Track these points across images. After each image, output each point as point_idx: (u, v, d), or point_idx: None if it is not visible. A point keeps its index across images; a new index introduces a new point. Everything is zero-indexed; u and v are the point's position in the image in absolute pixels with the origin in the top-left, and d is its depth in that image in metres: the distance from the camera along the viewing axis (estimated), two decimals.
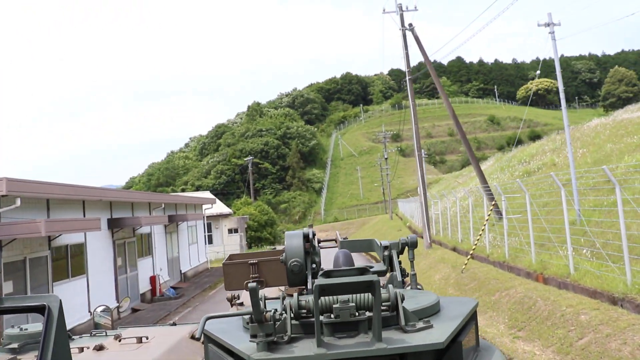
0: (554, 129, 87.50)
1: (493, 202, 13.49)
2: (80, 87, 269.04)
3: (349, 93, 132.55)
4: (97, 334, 3.91)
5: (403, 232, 34.44)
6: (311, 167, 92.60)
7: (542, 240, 12.86)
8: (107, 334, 3.88)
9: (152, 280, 21.77)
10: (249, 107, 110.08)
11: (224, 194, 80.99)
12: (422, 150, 65.70)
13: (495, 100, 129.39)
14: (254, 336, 2.05)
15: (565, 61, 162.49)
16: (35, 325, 3.42)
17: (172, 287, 23.34)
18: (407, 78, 21.76)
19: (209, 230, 37.60)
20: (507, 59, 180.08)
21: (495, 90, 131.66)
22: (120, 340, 3.53)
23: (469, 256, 13.93)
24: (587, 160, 17.71)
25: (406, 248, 3.31)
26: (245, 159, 72.89)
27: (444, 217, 25.06)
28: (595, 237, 10.23)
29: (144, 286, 21.20)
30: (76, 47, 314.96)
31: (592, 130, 23.89)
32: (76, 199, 15.77)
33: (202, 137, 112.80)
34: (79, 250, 16.24)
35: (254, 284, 1.98)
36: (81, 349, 3.38)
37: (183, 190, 73.89)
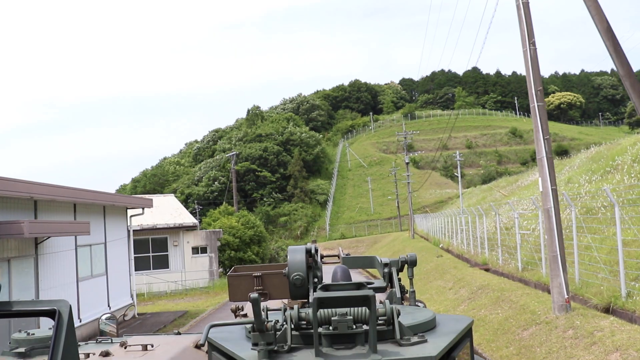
0: (582, 144, 78.90)
1: None
2: (82, 96, 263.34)
3: (358, 101, 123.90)
4: (102, 341, 3.96)
5: (444, 260, 24.77)
6: (315, 177, 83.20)
7: None
8: (113, 341, 3.93)
9: None
10: (248, 110, 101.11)
11: (216, 204, 71.94)
12: (458, 152, 55.78)
13: (515, 114, 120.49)
14: (255, 345, 2.07)
15: (586, 76, 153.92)
16: (42, 330, 3.43)
17: None
18: None
19: (163, 249, 26.54)
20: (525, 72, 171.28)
21: (516, 102, 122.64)
22: (125, 348, 3.61)
23: None
24: None
25: (405, 266, 3.28)
26: (227, 154, 62.80)
27: (535, 241, 15.44)
28: None
29: None
30: (78, 48, 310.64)
31: None
32: None
33: (196, 142, 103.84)
34: None
35: (256, 295, 2.00)
36: (87, 355, 3.44)
37: None
